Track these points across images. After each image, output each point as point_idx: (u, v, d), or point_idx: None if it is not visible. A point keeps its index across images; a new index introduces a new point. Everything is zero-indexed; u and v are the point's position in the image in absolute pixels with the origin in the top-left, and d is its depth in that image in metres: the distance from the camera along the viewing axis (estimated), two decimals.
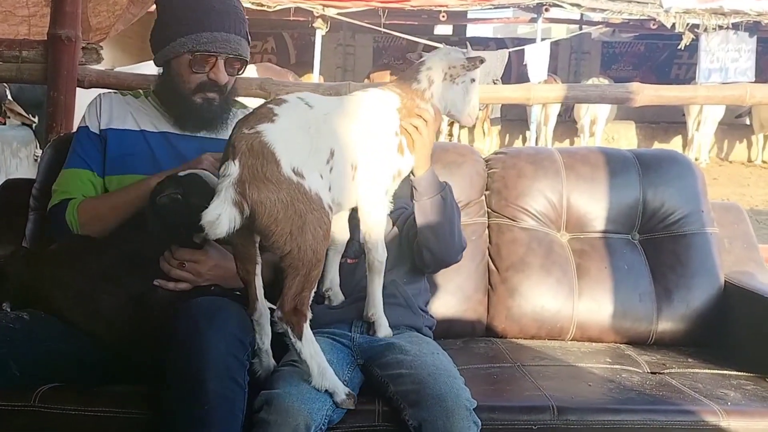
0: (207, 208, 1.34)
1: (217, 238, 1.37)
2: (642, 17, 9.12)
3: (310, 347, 1.45)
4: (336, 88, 3.23)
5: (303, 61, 11.36)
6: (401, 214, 1.89)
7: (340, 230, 1.73)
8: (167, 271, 1.67)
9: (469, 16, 10.89)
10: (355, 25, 9.40)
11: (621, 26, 10.68)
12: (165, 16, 1.85)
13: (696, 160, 9.58)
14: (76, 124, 2.91)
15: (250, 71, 7.40)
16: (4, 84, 4.73)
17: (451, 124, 10.77)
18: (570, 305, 2.13)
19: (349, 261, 1.81)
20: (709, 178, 2.48)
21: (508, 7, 9.75)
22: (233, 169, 1.37)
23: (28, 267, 1.71)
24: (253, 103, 2.20)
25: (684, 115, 10.56)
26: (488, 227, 2.25)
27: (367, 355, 1.67)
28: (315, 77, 9.27)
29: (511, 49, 10.17)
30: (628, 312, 2.13)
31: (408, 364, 1.55)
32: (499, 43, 11.97)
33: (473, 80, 1.72)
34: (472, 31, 12.59)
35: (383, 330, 1.69)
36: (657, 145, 11.35)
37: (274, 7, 8.69)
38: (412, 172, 1.74)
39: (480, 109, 1.99)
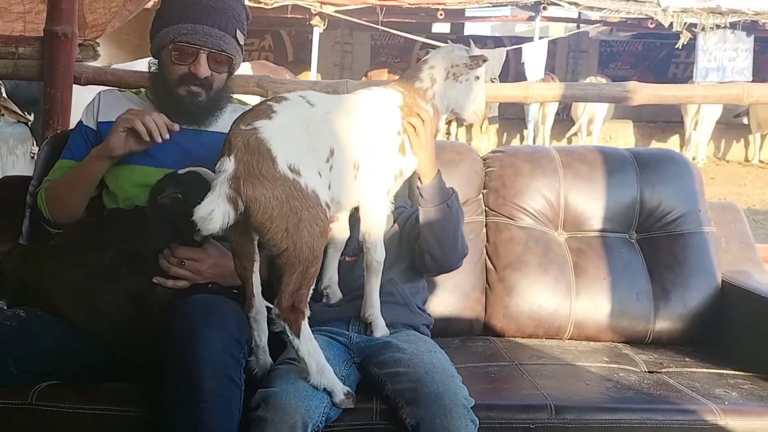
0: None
1: (211, 233, 1.37)
2: (640, 16, 9.14)
3: (308, 345, 1.45)
4: (333, 85, 3.22)
5: (300, 58, 11.35)
6: (401, 213, 1.89)
7: (340, 228, 1.73)
8: (166, 269, 1.67)
9: (467, 14, 10.89)
10: (352, 22, 9.40)
11: (619, 25, 10.69)
12: (159, 8, 1.87)
13: (693, 159, 9.59)
14: (73, 121, 2.90)
15: (246, 69, 7.40)
16: (0, 81, 4.71)
17: (449, 123, 10.76)
18: (567, 304, 2.13)
19: (347, 259, 1.81)
20: (706, 178, 2.49)
21: (506, 5, 9.75)
22: (228, 165, 1.37)
23: (25, 264, 1.70)
24: (251, 100, 2.20)
25: (682, 114, 10.57)
26: (486, 226, 2.25)
27: (365, 353, 1.67)
28: (312, 75, 9.27)
29: (508, 48, 10.18)
30: (625, 311, 2.13)
31: (405, 363, 1.55)
32: (497, 42, 11.97)
33: (477, 78, 1.72)
34: (470, 29, 12.59)
35: (380, 330, 1.69)
36: (654, 145, 11.36)
37: (272, 4, 8.69)
38: (419, 179, 1.74)
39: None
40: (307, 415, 1.39)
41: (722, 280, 2.16)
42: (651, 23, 9.18)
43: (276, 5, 8.71)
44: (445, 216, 1.75)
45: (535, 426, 1.56)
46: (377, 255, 1.65)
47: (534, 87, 3.56)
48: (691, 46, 9.20)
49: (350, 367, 1.64)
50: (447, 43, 1.79)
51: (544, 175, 2.27)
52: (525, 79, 8.40)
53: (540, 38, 9.59)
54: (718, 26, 8.85)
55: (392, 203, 1.69)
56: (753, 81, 7.83)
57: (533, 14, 9.49)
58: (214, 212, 1.33)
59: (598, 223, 2.25)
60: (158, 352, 1.44)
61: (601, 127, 10.59)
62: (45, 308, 1.63)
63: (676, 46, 9.26)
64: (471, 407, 1.46)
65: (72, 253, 1.69)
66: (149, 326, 1.59)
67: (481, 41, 11.98)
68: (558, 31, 12.11)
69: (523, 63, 9.24)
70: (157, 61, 1.87)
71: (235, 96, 2.02)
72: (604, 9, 9.00)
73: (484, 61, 1.69)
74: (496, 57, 9.53)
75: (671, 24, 8.77)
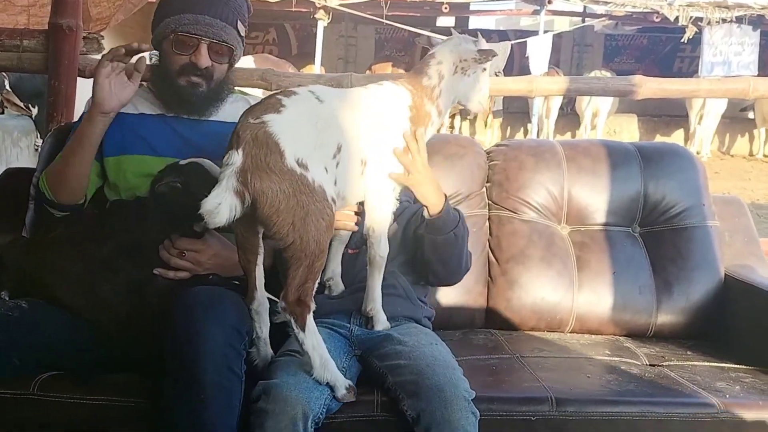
0: (207, 196, 1.34)
1: (217, 226, 1.37)
2: (645, 10, 9.08)
3: (312, 339, 1.45)
4: (338, 79, 3.22)
5: (304, 52, 11.32)
6: (405, 207, 1.88)
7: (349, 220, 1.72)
8: (167, 260, 1.67)
9: (472, 8, 10.84)
10: (357, 16, 9.37)
11: (624, 19, 10.63)
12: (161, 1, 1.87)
13: (697, 153, 9.55)
14: (77, 113, 2.90)
15: (248, 62, 7.39)
16: (3, 74, 4.72)
17: (452, 116, 10.73)
18: (570, 297, 2.13)
19: (350, 251, 1.81)
20: (710, 172, 2.48)
21: None
22: (236, 158, 1.37)
23: (28, 256, 1.71)
24: (255, 93, 2.20)
25: (686, 108, 10.53)
26: (489, 219, 2.25)
27: (366, 346, 1.67)
28: (316, 68, 9.24)
29: (513, 42, 10.14)
30: (627, 304, 2.13)
31: (406, 355, 1.55)
32: (501, 36, 11.93)
33: (484, 69, 1.72)
34: (475, 23, 12.54)
35: (381, 324, 1.69)
36: (659, 139, 11.31)
37: None
38: (426, 209, 1.72)
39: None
40: (308, 407, 1.40)
41: (725, 274, 2.16)
42: (656, 17, 9.13)
43: None
44: (450, 244, 1.75)
45: (536, 418, 1.56)
46: (381, 250, 1.65)
47: (539, 81, 3.56)
48: (696, 41, 9.14)
49: (351, 359, 1.64)
50: (451, 36, 1.78)
51: (547, 169, 2.27)
52: (529, 73, 8.37)
53: (545, 32, 9.55)
54: (724, 20, 8.80)
55: (397, 200, 1.68)
56: (759, 75, 7.79)
57: (538, 8, 9.44)
58: (221, 205, 1.33)
59: (602, 216, 2.25)
60: (159, 343, 1.45)
61: (605, 121, 10.55)
62: (47, 299, 1.64)
63: (682, 41, 9.20)
64: (472, 399, 1.46)
65: (73, 244, 1.69)
66: (150, 317, 1.60)
67: (486, 35, 11.88)
68: (563, 24, 12.06)
69: (527, 57, 9.20)
70: (158, 52, 1.87)
71: (236, 87, 2.02)
72: (609, 3, 8.95)
73: (494, 55, 1.68)
74: (501, 51, 9.50)
75: (677, 18, 8.71)
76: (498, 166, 2.30)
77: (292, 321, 1.43)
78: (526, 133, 11.29)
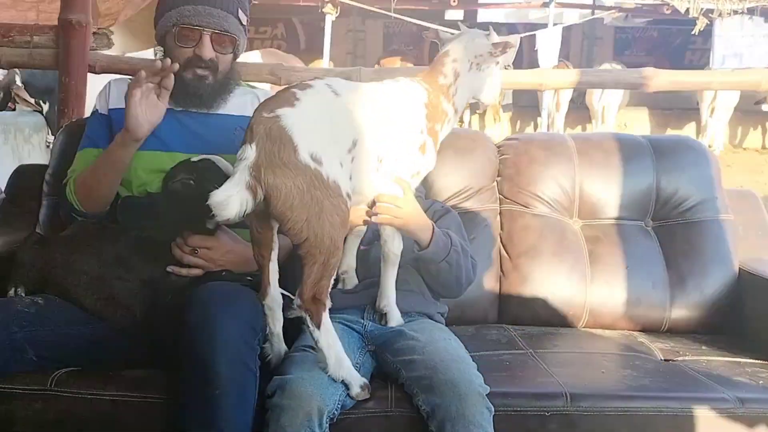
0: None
1: (226, 220, 1.36)
2: (655, 2, 9.02)
3: (328, 337, 1.44)
4: (347, 73, 3.21)
5: (313, 46, 11.30)
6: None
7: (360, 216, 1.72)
8: (180, 258, 1.67)
9: (480, 0, 10.80)
10: (365, 10, 9.35)
11: (634, 11, 10.55)
12: None
13: (710, 146, 9.48)
14: (87, 109, 2.92)
15: (256, 57, 7.38)
16: (15, 70, 4.74)
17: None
18: (583, 292, 2.12)
19: (362, 248, 1.81)
20: (723, 165, 2.47)
21: None
22: (250, 152, 1.35)
23: (42, 252, 1.72)
24: (263, 87, 2.20)
25: (698, 101, 10.45)
26: (500, 214, 2.24)
27: (379, 341, 1.67)
28: (325, 63, 9.22)
29: (522, 35, 10.09)
30: (641, 299, 2.12)
31: (420, 350, 1.55)
32: (510, 29, 11.85)
33: (497, 63, 1.71)
34: (483, 15, 12.47)
35: (395, 320, 1.69)
36: (670, 132, 11.23)
37: None
38: (417, 243, 1.70)
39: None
40: (323, 403, 1.40)
41: (739, 269, 2.14)
42: (667, 9, 9.05)
43: None
44: (444, 270, 1.73)
45: (550, 414, 1.55)
46: (394, 247, 1.64)
47: (549, 74, 3.54)
48: (707, 33, 9.06)
49: (365, 355, 1.64)
50: (459, 30, 1.76)
51: (559, 163, 2.25)
52: (538, 66, 8.32)
53: (554, 25, 9.50)
54: (735, 12, 8.71)
55: None
56: None
57: (547, 1, 9.39)
58: (231, 198, 1.32)
59: (614, 210, 2.24)
60: (174, 339, 1.45)
61: (616, 115, 10.48)
62: (61, 295, 1.65)
63: (693, 33, 9.11)
64: (486, 395, 1.46)
65: (87, 241, 1.70)
66: (164, 313, 1.60)
67: (495, 28, 11.88)
68: (572, 17, 11.98)
69: (536, 50, 9.15)
70: (162, 48, 1.87)
71: (245, 81, 2.02)
72: None
73: (510, 47, 1.67)
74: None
75: (687, 10, 8.63)
76: (509, 160, 2.29)
77: (308, 319, 1.42)
78: (536, 127, 11.24)
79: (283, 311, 1.53)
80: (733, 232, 2.20)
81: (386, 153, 1.56)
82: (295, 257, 1.54)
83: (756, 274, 2.08)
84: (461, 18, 11.71)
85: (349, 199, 1.44)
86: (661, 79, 3.28)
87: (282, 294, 1.52)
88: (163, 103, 1.73)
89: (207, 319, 1.41)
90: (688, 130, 11.29)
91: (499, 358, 1.81)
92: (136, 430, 1.54)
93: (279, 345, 1.56)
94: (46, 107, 5.09)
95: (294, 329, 1.59)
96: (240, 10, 1.83)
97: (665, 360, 1.87)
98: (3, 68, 3.42)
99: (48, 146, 4.95)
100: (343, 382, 1.46)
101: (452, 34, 1.78)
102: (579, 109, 10.93)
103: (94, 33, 3.12)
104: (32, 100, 4.96)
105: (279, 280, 1.53)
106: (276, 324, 1.53)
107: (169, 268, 1.66)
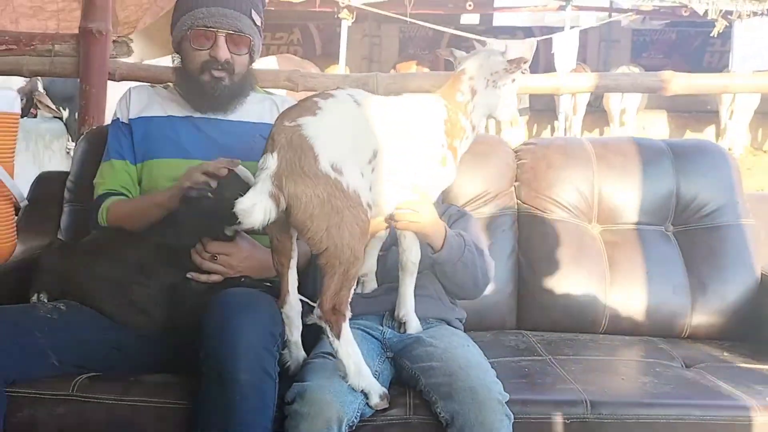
0: (242, 196, 1.34)
1: (250, 227, 1.37)
2: (673, 4, 8.95)
3: (347, 347, 1.44)
4: (363, 79, 3.22)
5: (329, 52, 11.35)
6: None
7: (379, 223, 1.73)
8: (199, 264, 1.68)
9: (496, 4, 10.77)
10: (380, 15, 9.37)
11: (651, 14, 10.47)
12: (176, 1, 1.89)
13: (730, 149, 9.37)
14: (108, 116, 2.94)
15: (272, 62, 7.41)
16: (37, 77, 4.80)
17: None
18: (602, 297, 2.11)
19: (379, 253, 1.81)
20: (743, 169, 2.45)
21: None
22: (271, 162, 1.36)
23: (64, 258, 1.73)
24: (279, 93, 2.21)
25: (717, 103, 10.34)
26: (518, 219, 2.24)
27: (397, 348, 1.67)
28: (341, 68, 9.26)
29: (539, 38, 10.05)
30: (661, 305, 2.10)
31: (439, 357, 1.54)
32: (526, 32, 11.83)
33: (514, 80, 1.71)
34: (499, 19, 12.45)
35: (413, 328, 1.69)
36: (689, 135, 11.14)
37: None
38: (431, 246, 1.70)
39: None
40: (343, 411, 1.40)
41: (762, 274, 2.12)
42: (685, 11, 8.98)
43: None
44: (459, 271, 1.74)
45: (570, 421, 1.54)
46: (413, 256, 1.65)
47: (566, 78, 3.51)
48: (726, 34, 8.96)
49: (384, 362, 1.64)
50: (478, 42, 1.77)
51: (577, 167, 2.24)
52: (554, 69, 8.29)
53: (571, 28, 9.45)
54: (754, 13, 8.62)
55: None
56: None
57: (563, 4, 9.35)
58: (256, 206, 1.32)
59: (634, 215, 2.22)
60: (194, 345, 1.46)
61: (634, 118, 10.41)
62: (83, 301, 1.66)
63: (711, 35, 9.03)
64: (506, 402, 1.45)
65: (108, 247, 1.72)
66: (184, 319, 1.61)
67: (511, 32, 11.86)
68: (589, 20, 11.93)
69: (553, 53, 9.12)
70: (179, 55, 1.89)
71: (262, 88, 2.03)
72: None
73: (525, 62, 1.67)
74: (527, 48, 9.42)
75: (706, 12, 8.56)
76: (526, 164, 2.28)
77: (328, 329, 1.43)
78: (553, 130, 11.19)
79: (301, 317, 1.53)
80: (754, 236, 2.18)
81: (406, 166, 1.56)
82: (314, 263, 1.54)
83: None
84: (477, 22, 11.70)
85: (369, 209, 1.43)
86: (680, 82, 3.25)
87: (300, 300, 1.53)
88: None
89: (227, 325, 1.42)
90: (708, 133, 11.18)
91: (518, 364, 1.80)
92: None
93: (297, 352, 1.57)
94: (65, 114, 5.15)
95: (312, 335, 1.59)
96: (253, 11, 1.84)
97: (687, 366, 1.85)
98: (25, 77, 3.47)
99: (68, 152, 5.01)
100: (362, 391, 1.45)
101: (468, 54, 1.78)
102: (596, 112, 10.88)
103: (113, 41, 3.16)
104: (54, 107, 5.02)
105: (297, 285, 1.54)
106: (294, 332, 1.54)
107: (189, 275, 1.68)
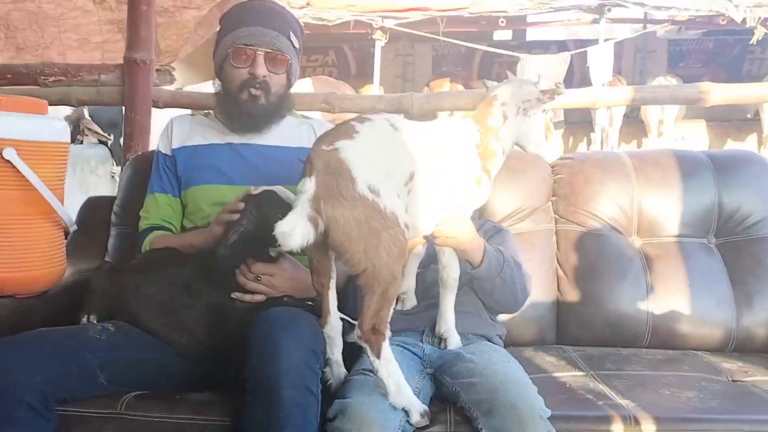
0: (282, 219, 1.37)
1: (290, 249, 1.40)
2: (710, 13, 8.81)
3: (388, 366, 1.45)
4: (398, 99, 3.26)
5: (363, 72, 11.46)
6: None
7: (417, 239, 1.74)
8: (243, 284, 1.72)
9: (529, 20, 10.76)
10: (413, 34, 9.44)
11: (687, 23, 10.33)
12: (219, 28, 1.96)
13: None
14: (152, 142, 3.04)
15: (307, 84, 7.53)
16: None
17: None
18: (644, 311, 2.08)
19: (418, 270, 1.82)
20: None
21: (569, 9, 9.57)
22: (309, 185, 1.39)
23: (112, 280, 1.78)
24: (314, 115, 2.25)
25: (758, 111, 10.11)
26: (556, 233, 2.23)
27: (437, 364, 1.67)
28: (375, 87, 9.35)
29: (572, 52, 9.99)
30: (706, 317, 2.06)
31: (479, 373, 1.54)
32: (560, 46, 11.77)
33: (544, 111, 1.72)
34: (532, 35, 12.43)
35: (454, 344, 1.70)
36: (730, 144, 10.90)
37: (334, 21, 8.81)
38: (469, 262, 1.72)
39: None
40: (383, 428, 1.40)
41: None
42: (722, 19, 8.82)
43: (338, 22, 8.83)
44: (498, 287, 1.75)
45: None
46: (453, 272, 1.66)
47: (602, 92, 3.50)
48: (766, 41, 8.79)
49: (424, 378, 1.65)
50: (511, 70, 1.79)
51: (615, 181, 2.23)
52: (590, 82, 8.22)
53: (605, 40, 9.38)
54: None
55: None
56: None
57: (597, 17, 9.29)
58: (296, 229, 1.35)
59: (675, 228, 2.19)
60: (238, 363, 1.49)
61: (672, 128, 10.23)
62: (131, 322, 1.71)
63: (751, 42, 8.86)
64: (548, 418, 1.44)
65: (156, 268, 1.76)
66: (228, 338, 1.65)
67: (544, 46, 11.82)
68: (624, 32, 11.82)
69: (588, 66, 9.05)
70: (220, 80, 1.95)
71: (299, 112, 2.07)
72: (671, 8, 8.71)
73: (559, 94, 1.68)
74: (560, 62, 9.38)
75: (744, 20, 8.40)
76: (563, 179, 2.28)
77: (368, 349, 1.44)
78: (589, 143, 11.07)
79: (342, 335, 1.56)
80: None
81: (441, 188, 1.58)
82: (354, 282, 1.56)
83: None
84: (510, 38, 11.71)
85: (407, 229, 1.45)
86: (719, 93, 3.20)
87: (341, 318, 1.55)
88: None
89: (271, 344, 1.45)
90: (750, 142, 10.92)
91: (560, 380, 1.79)
92: None
93: (339, 370, 1.58)
94: (110, 139, 5.31)
95: (353, 352, 1.61)
96: (292, 34, 1.90)
97: (733, 381, 1.81)
98: (73, 106, 3.60)
99: (113, 177, 5.15)
100: (403, 409, 1.46)
101: (500, 83, 1.80)
102: (633, 123, 10.72)
103: (156, 70, 3.26)
104: (102, 132, 5.17)
105: (338, 304, 1.56)
106: (335, 351, 1.56)
107: (233, 295, 1.71)
